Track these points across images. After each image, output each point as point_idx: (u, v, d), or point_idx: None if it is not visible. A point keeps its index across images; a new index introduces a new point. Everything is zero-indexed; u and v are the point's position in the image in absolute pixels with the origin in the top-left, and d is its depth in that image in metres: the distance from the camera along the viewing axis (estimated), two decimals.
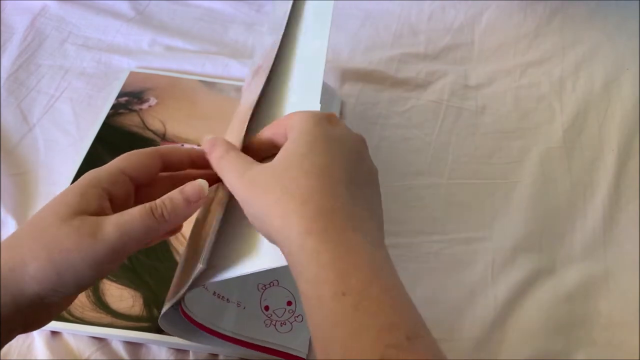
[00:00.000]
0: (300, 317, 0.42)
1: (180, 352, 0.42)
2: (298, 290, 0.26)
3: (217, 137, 0.32)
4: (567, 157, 0.56)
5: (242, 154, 0.31)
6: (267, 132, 0.32)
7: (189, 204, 0.30)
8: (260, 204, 0.27)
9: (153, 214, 0.28)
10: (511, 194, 0.53)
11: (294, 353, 0.41)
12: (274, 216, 0.26)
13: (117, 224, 0.27)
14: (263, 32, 0.50)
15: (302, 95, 0.38)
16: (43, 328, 0.41)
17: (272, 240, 0.27)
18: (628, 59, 0.66)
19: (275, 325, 0.41)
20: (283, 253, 0.27)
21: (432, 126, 0.59)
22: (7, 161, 0.54)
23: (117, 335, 0.42)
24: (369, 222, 0.27)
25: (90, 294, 0.43)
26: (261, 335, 0.40)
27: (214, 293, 0.40)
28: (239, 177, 0.29)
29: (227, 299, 0.41)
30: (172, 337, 0.40)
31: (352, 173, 0.28)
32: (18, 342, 0.42)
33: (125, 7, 0.72)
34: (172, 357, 0.42)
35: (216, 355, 0.42)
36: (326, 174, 0.27)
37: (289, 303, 0.43)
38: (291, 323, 0.42)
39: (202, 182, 0.30)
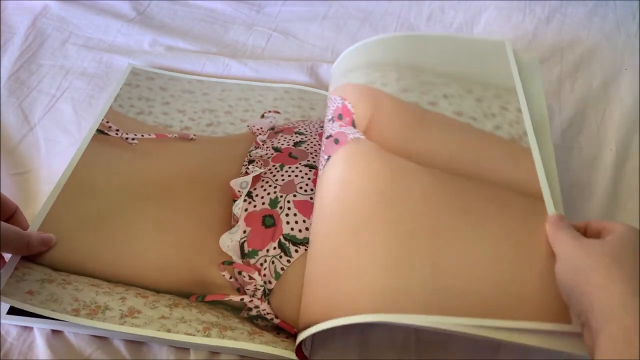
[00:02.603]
0: None
1: (181, 351, 0.42)
2: (601, 332, 0.31)
3: (562, 215, 0.41)
4: (565, 157, 0.56)
5: (576, 230, 0.39)
6: (596, 225, 0.40)
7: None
8: (587, 262, 0.35)
9: None
10: None
11: (304, 350, 0.41)
12: (601, 275, 0.34)
13: None
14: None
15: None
16: (44, 327, 0.42)
17: (578, 289, 0.34)
18: (626, 59, 0.66)
19: None
20: (588, 299, 0.33)
21: None
22: (8, 161, 0.54)
23: (118, 334, 0.42)
24: None
25: None
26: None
27: None
28: (573, 238, 0.37)
29: None
30: (172, 335, 0.41)
31: None
32: (19, 342, 0.42)
33: (126, 8, 0.72)
34: (172, 356, 0.42)
35: (216, 354, 0.42)
36: None
37: None
38: None
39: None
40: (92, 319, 0.41)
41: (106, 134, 0.55)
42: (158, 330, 0.41)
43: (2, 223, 0.41)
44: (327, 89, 0.61)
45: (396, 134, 0.48)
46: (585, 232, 0.40)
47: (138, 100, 0.59)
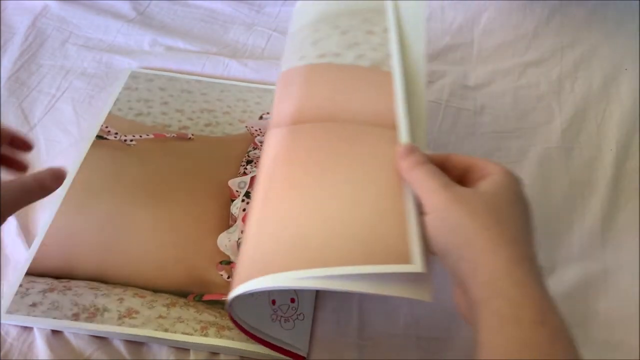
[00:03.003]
0: (302, 316, 0.43)
1: (181, 351, 0.42)
2: (485, 306, 0.28)
3: (415, 145, 0.36)
4: (565, 157, 0.57)
5: (439, 169, 0.34)
6: (460, 161, 0.35)
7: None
8: (466, 220, 0.30)
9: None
10: None
11: (296, 351, 0.41)
12: (484, 238, 0.29)
13: None
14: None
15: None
16: (44, 327, 0.42)
17: (457, 252, 0.30)
18: (626, 59, 0.66)
19: (280, 321, 0.42)
20: (468, 266, 0.30)
21: (431, 126, 0.59)
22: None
23: (118, 334, 0.42)
24: None
25: None
26: (267, 330, 0.41)
27: None
28: (442, 187, 0.32)
29: None
30: (172, 336, 0.41)
31: (533, 236, 0.32)
32: (19, 342, 0.42)
33: (126, 8, 0.72)
34: (172, 356, 0.42)
35: (216, 354, 0.42)
36: (528, 229, 0.32)
37: (292, 300, 0.43)
38: (293, 320, 0.42)
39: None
40: (91, 322, 0.42)
41: (105, 138, 0.55)
42: (155, 330, 0.41)
43: (3, 182, 0.37)
44: None
45: (276, 109, 0.45)
46: (444, 167, 0.35)
47: (137, 102, 0.59)
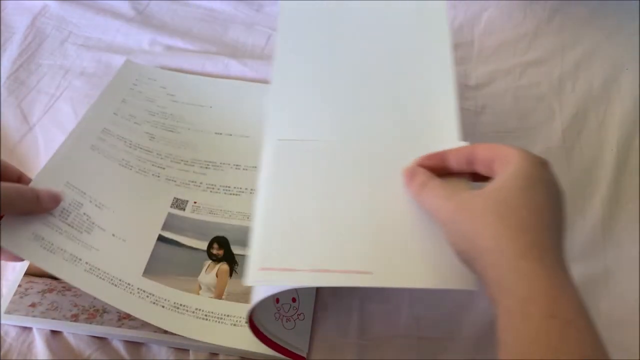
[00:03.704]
0: (302, 315, 0.43)
1: (180, 351, 0.42)
2: (499, 305, 0.28)
3: (416, 167, 0.36)
4: (566, 156, 0.56)
5: (444, 181, 0.34)
6: (490, 152, 0.34)
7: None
8: (469, 225, 0.30)
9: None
10: None
11: (296, 351, 0.41)
12: (485, 237, 0.29)
13: None
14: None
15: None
16: (43, 327, 0.42)
17: (469, 256, 0.31)
18: (627, 59, 0.66)
19: (282, 320, 0.42)
20: (480, 267, 0.30)
21: None
22: (8, 161, 0.54)
23: (117, 335, 0.42)
24: (566, 264, 0.29)
25: None
26: (272, 328, 0.40)
27: None
28: (446, 200, 0.32)
29: None
30: (172, 336, 0.41)
31: (559, 219, 0.31)
32: (18, 342, 0.42)
33: (125, 7, 0.72)
34: (172, 357, 0.42)
35: (216, 354, 0.42)
36: (540, 214, 0.30)
37: (294, 300, 0.43)
38: (294, 320, 0.42)
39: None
40: (90, 323, 0.42)
41: None
42: (155, 332, 0.41)
43: (3, 183, 0.38)
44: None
45: None
46: (472, 161, 0.35)
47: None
